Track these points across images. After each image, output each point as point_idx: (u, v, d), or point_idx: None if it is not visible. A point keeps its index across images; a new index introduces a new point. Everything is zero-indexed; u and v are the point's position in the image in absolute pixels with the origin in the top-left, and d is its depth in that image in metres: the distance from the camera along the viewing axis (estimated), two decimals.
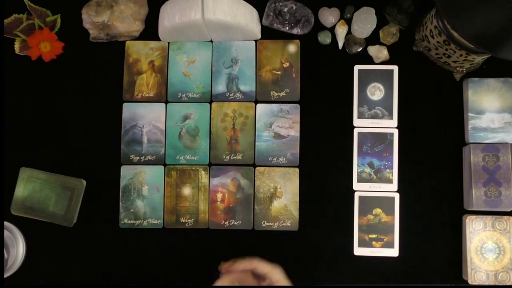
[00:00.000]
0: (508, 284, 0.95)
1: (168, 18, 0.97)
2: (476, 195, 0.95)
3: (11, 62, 1.04)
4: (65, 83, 1.04)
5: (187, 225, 1.01)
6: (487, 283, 0.95)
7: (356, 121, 1.01)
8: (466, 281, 0.95)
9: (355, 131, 1.01)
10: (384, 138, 1.00)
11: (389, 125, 1.01)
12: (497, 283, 0.95)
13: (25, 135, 1.03)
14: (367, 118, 1.01)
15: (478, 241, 0.96)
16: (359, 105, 1.01)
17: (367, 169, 1.00)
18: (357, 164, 1.00)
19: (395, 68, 1.01)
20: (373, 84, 1.01)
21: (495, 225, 0.96)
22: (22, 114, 1.03)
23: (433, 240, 0.99)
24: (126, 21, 1.02)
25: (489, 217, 0.96)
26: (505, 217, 0.96)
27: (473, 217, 0.96)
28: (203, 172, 1.02)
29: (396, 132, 1.00)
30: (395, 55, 1.02)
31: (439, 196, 1.00)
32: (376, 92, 1.01)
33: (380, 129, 1.01)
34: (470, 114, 0.99)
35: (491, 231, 0.96)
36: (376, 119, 1.01)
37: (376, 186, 0.99)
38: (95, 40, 1.04)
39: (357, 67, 1.02)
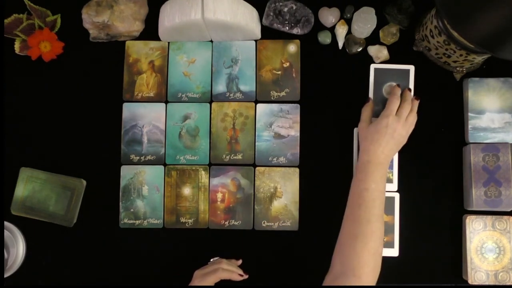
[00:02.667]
0: (508, 284, 0.95)
1: (168, 18, 0.97)
2: (476, 195, 0.95)
3: (11, 62, 1.04)
4: (65, 83, 1.04)
5: (187, 225, 1.01)
6: (487, 283, 0.95)
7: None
8: (466, 281, 0.96)
9: (355, 130, 1.01)
10: None
11: None
12: (497, 283, 0.95)
13: (25, 135, 1.03)
14: None
15: (478, 241, 0.96)
16: (375, 104, 1.00)
17: None
18: None
19: (411, 68, 1.01)
20: (389, 84, 1.01)
21: (495, 225, 0.96)
22: (22, 114, 1.03)
23: (433, 240, 0.99)
24: (126, 21, 1.02)
25: (489, 217, 0.96)
26: (505, 217, 0.96)
27: (473, 217, 0.96)
28: (203, 172, 1.02)
29: None
30: (395, 55, 1.02)
31: (439, 196, 1.00)
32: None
33: None
34: (470, 114, 0.99)
35: (491, 231, 0.96)
36: None
37: None
38: (95, 40, 1.04)
39: (373, 66, 1.01)
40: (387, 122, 0.91)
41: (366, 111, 0.96)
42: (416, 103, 0.95)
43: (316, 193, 1.01)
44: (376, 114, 1.00)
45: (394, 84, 0.98)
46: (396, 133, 0.90)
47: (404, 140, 0.93)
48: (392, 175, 0.99)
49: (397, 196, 0.99)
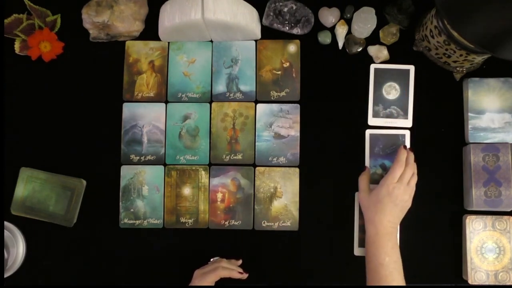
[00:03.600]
0: (508, 284, 0.95)
1: (168, 18, 0.97)
2: (476, 195, 0.95)
3: (11, 62, 1.04)
4: (65, 83, 1.04)
5: (187, 225, 1.01)
6: (487, 283, 0.95)
7: (371, 120, 1.00)
8: (466, 281, 0.95)
9: (367, 133, 1.00)
10: (396, 140, 1.00)
11: (404, 124, 1.00)
12: (497, 283, 0.95)
13: (25, 135, 1.03)
14: (382, 117, 1.00)
15: (478, 241, 0.96)
16: (374, 103, 1.01)
17: (379, 171, 0.99)
18: (370, 166, 0.99)
19: (411, 68, 1.01)
20: (389, 84, 1.01)
21: (495, 225, 0.96)
22: (22, 114, 1.03)
23: (433, 240, 0.99)
24: (126, 21, 1.02)
25: (489, 217, 0.96)
26: (505, 217, 0.96)
27: (473, 217, 0.96)
28: (203, 172, 1.02)
29: (406, 133, 1.00)
30: (395, 55, 1.02)
31: (439, 196, 1.00)
32: (392, 91, 1.00)
33: (388, 130, 1.00)
34: (470, 114, 0.99)
35: (491, 231, 0.96)
36: (391, 118, 1.00)
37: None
38: (95, 40, 1.04)
39: (373, 66, 1.01)
40: (387, 190, 0.89)
41: (364, 180, 0.95)
42: (415, 165, 0.92)
43: (316, 193, 1.01)
44: (376, 114, 1.01)
45: (401, 146, 0.93)
46: (398, 200, 0.89)
47: (408, 205, 0.91)
48: None
49: None
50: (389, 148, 1.00)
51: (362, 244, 0.98)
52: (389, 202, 0.88)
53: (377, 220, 0.88)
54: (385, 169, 0.99)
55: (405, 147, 0.93)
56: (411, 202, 0.91)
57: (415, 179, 0.92)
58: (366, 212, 0.91)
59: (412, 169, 0.92)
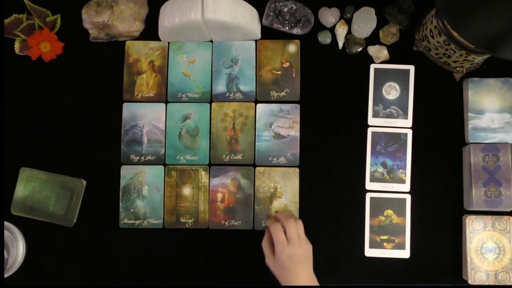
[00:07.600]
0: (508, 284, 0.95)
1: (168, 18, 0.97)
2: (476, 195, 0.95)
3: (11, 62, 1.04)
4: (65, 83, 1.04)
5: (187, 225, 1.01)
6: (487, 283, 0.95)
7: (371, 120, 1.01)
8: (466, 281, 0.96)
9: (369, 130, 1.00)
10: (398, 138, 1.00)
11: (404, 124, 1.00)
12: (497, 283, 0.95)
13: (25, 135, 1.03)
14: (382, 117, 1.01)
15: (478, 241, 0.96)
16: (374, 103, 1.01)
17: (380, 169, 0.99)
18: (371, 164, 0.99)
19: (411, 68, 1.01)
20: (389, 84, 1.01)
21: (495, 225, 0.96)
22: (22, 114, 1.03)
23: (434, 240, 0.99)
24: (126, 21, 1.02)
25: (489, 217, 0.96)
26: (505, 217, 0.96)
27: (473, 217, 0.96)
28: (203, 172, 1.02)
29: (408, 132, 1.00)
30: (395, 55, 1.02)
31: (439, 196, 1.00)
32: (392, 91, 1.00)
33: (390, 129, 1.01)
34: (470, 114, 0.99)
35: (491, 231, 0.96)
36: (391, 118, 1.01)
37: (389, 185, 0.99)
38: (95, 40, 1.04)
39: (373, 66, 1.01)
40: (283, 256, 0.86)
41: (265, 245, 0.91)
42: (292, 216, 0.93)
43: (316, 193, 1.01)
44: (376, 114, 1.01)
45: (264, 224, 0.95)
46: (299, 257, 0.87)
47: (309, 249, 0.89)
48: (405, 176, 0.99)
49: (408, 197, 0.99)
50: (391, 146, 1.00)
51: (372, 245, 0.99)
52: (292, 265, 0.86)
53: (293, 281, 0.86)
54: (386, 168, 0.99)
55: (272, 217, 0.94)
56: (309, 244, 0.90)
57: (299, 225, 0.90)
58: (279, 278, 0.88)
59: (291, 221, 0.90)
